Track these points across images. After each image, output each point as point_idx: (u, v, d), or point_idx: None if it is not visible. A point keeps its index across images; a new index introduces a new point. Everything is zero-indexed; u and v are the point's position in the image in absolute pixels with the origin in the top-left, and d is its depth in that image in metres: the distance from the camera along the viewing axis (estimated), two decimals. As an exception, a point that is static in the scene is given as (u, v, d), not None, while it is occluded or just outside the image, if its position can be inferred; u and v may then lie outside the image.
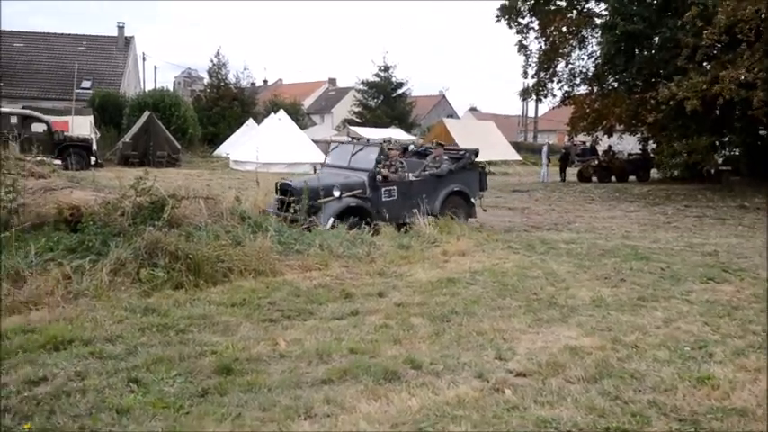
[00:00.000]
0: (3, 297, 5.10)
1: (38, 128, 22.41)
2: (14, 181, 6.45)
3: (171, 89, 41.45)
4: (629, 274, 8.03)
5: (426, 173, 11.55)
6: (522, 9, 27.81)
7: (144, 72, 49.88)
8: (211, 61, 41.02)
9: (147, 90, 39.46)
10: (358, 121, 48.12)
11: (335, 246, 8.14)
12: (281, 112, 31.54)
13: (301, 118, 43.75)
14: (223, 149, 32.94)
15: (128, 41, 42.23)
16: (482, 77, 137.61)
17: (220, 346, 4.55)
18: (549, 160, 29.50)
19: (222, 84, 40.28)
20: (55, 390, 3.64)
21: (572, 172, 28.68)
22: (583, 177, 27.77)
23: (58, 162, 19.39)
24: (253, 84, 47.56)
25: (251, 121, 34.77)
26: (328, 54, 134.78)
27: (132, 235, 6.36)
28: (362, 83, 50.71)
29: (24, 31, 40.01)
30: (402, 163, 11.73)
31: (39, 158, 9.45)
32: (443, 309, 5.93)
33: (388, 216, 10.57)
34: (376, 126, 43.54)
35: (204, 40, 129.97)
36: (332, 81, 71.39)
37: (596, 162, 28.23)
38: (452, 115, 58.30)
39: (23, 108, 26.02)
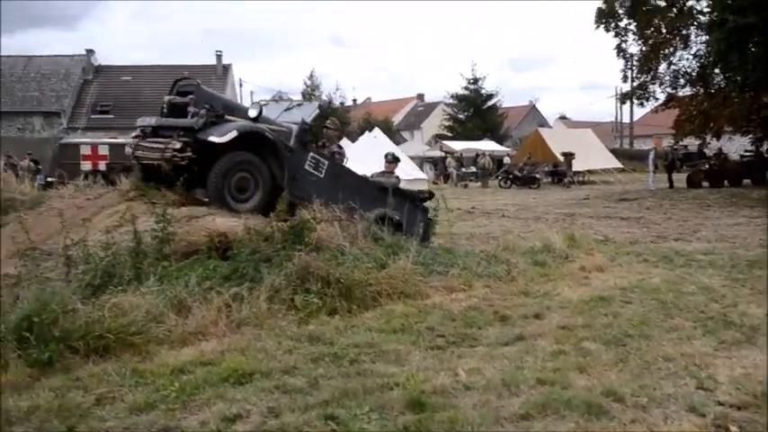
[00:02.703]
0: (172, 328, 5.10)
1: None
2: (164, 210, 6.52)
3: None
4: (796, 289, 7.41)
5: (371, 178, 9.47)
6: (619, 12, 27.03)
7: (241, 98, 51.35)
8: (305, 84, 41.94)
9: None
10: (449, 134, 47.96)
11: (473, 265, 7.89)
12: (376, 130, 31.70)
13: (393, 135, 43.90)
14: (320, 168, 33.32)
15: (226, 69, 43.68)
16: (568, 85, 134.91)
17: (400, 377, 4.35)
18: (656, 166, 28.27)
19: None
20: (255, 428, 3.53)
21: (676, 177, 27.36)
22: (692, 183, 26.43)
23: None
24: (342, 103, 48.17)
25: (345, 140, 35.10)
26: (414, 70, 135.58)
27: (282, 260, 6.30)
28: (452, 96, 50.57)
29: (130, 65, 42.16)
30: (341, 147, 9.81)
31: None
32: (613, 331, 5.56)
33: (297, 190, 8.13)
34: (467, 139, 43.24)
35: (294, 63, 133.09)
36: (420, 96, 71.58)
37: (707, 166, 26.89)
38: (543, 125, 57.20)
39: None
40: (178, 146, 7.47)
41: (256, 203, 8.01)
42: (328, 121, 10.08)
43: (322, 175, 8.52)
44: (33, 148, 27.16)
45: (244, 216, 7.62)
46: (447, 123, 51.06)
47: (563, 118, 71.96)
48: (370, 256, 7.21)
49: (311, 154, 8.49)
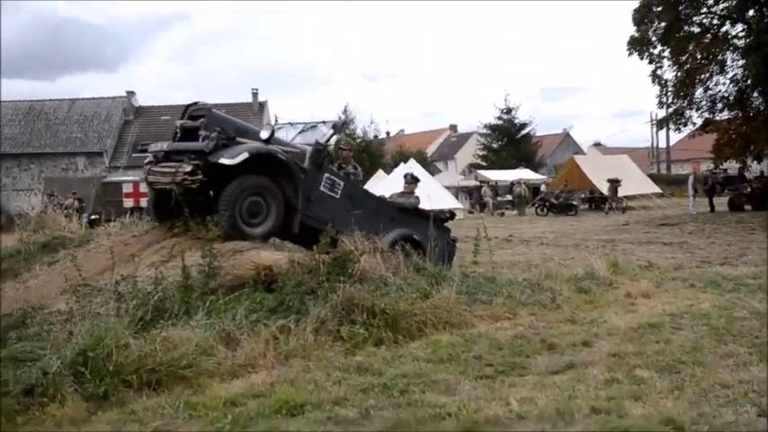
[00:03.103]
0: (221, 360, 5.14)
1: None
2: (211, 244, 6.61)
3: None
4: None
5: (390, 199, 9.54)
6: (652, 39, 26.86)
7: (276, 133, 52.10)
8: (339, 118, 42.35)
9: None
10: (483, 164, 47.97)
11: (517, 293, 7.83)
12: (412, 161, 31.87)
13: (427, 166, 44.06)
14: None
15: (261, 106, 44.57)
16: (601, 113, 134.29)
17: (452, 407, 4.32)
18: (696, 190, 27.87)
19: (351, 138, 41.44)
20: (311, 459, 3.53)
21: (717, 201, 26.93)
22: (734, 206, 26.05)
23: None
24: (376, 136, 48.58)
25: (380, 171, 35.34)
26: (446, 102, 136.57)
27: (327, 292, 6.34)
28: (485, 126, 50.67)
29: (168, 105, 43.11)
30: (356, 167, 9.71)
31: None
32: (665, 358, 5.45)
33: (312, 212, 8.05)
34: (502, 168, 43.19)
35: (328, 98, 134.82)
36: (453, 127, 71.83)
37: (749, 189, 26.44)
38: (578, 152, 56.93)
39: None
40: (189, 169, 7.34)
41: (269, 228, 7.87)
42: (342, 142, 10.09)
43: (338, 197, 8.38)
44: (77, 187, 27.89)
45: (287, 249, 7.70)
46: (481, 153, 51.16)
47: (597, 145, 71.51)
48: (413, 286, 7.21)
49: (326, 175, 8.35)
